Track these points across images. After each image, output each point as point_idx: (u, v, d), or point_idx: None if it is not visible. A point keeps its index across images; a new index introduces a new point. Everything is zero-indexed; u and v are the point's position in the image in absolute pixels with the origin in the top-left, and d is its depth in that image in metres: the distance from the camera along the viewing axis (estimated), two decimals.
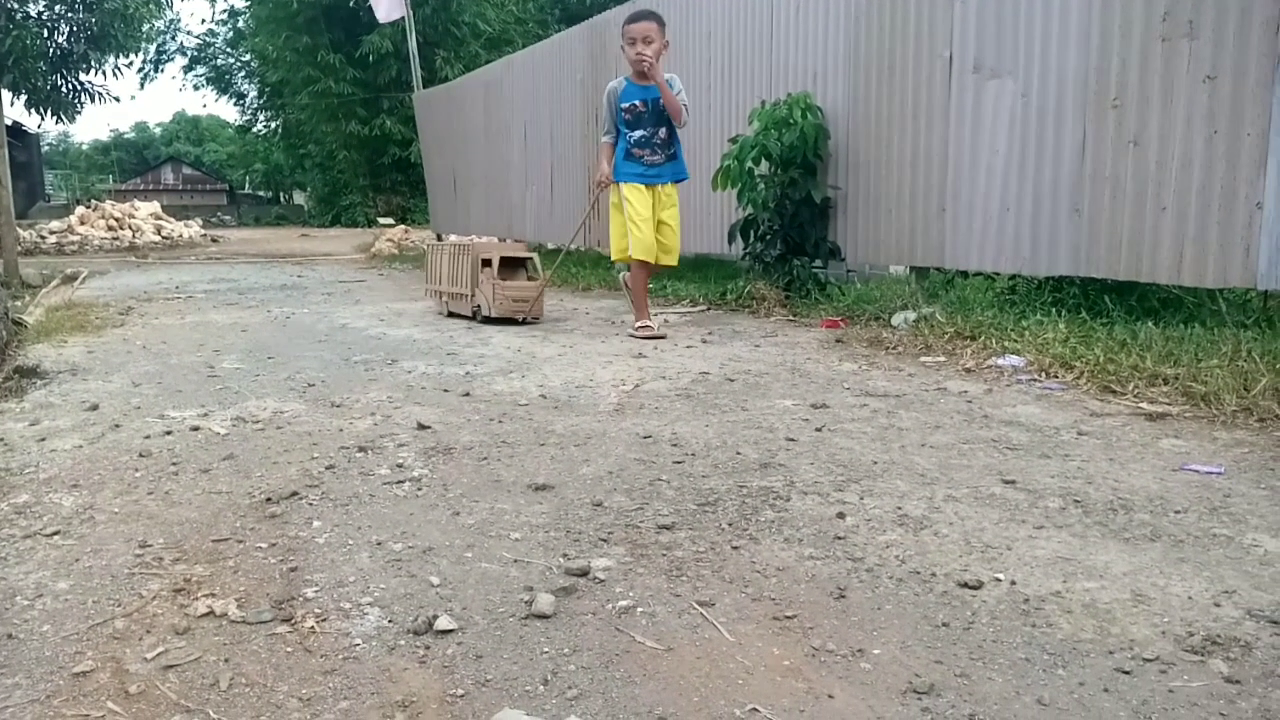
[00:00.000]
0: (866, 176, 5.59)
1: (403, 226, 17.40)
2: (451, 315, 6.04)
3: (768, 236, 5.99)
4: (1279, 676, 1.43)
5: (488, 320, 5.59)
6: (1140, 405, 3.09)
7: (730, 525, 2.10)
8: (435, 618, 1.63)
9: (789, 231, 5.88)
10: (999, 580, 1.77)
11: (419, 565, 1.89)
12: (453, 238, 13.35)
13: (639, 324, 5.10)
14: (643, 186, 5.14)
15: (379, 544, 2.00)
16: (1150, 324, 3.83)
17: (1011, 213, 4.62)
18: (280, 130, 36.27)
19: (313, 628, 1.62)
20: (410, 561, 1.91)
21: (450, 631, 1.60)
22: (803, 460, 2.58)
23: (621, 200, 5.19)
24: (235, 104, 38.95)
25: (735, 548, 1.97)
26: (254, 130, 39.98)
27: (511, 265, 5.81)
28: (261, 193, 55.51)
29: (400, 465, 2.58)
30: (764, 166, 5.85)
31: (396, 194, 26.67)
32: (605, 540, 2.02)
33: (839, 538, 2.01)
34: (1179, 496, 2.22)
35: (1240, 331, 3.59)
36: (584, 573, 1.84)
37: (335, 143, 27.18)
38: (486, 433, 2.94)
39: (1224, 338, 3.47)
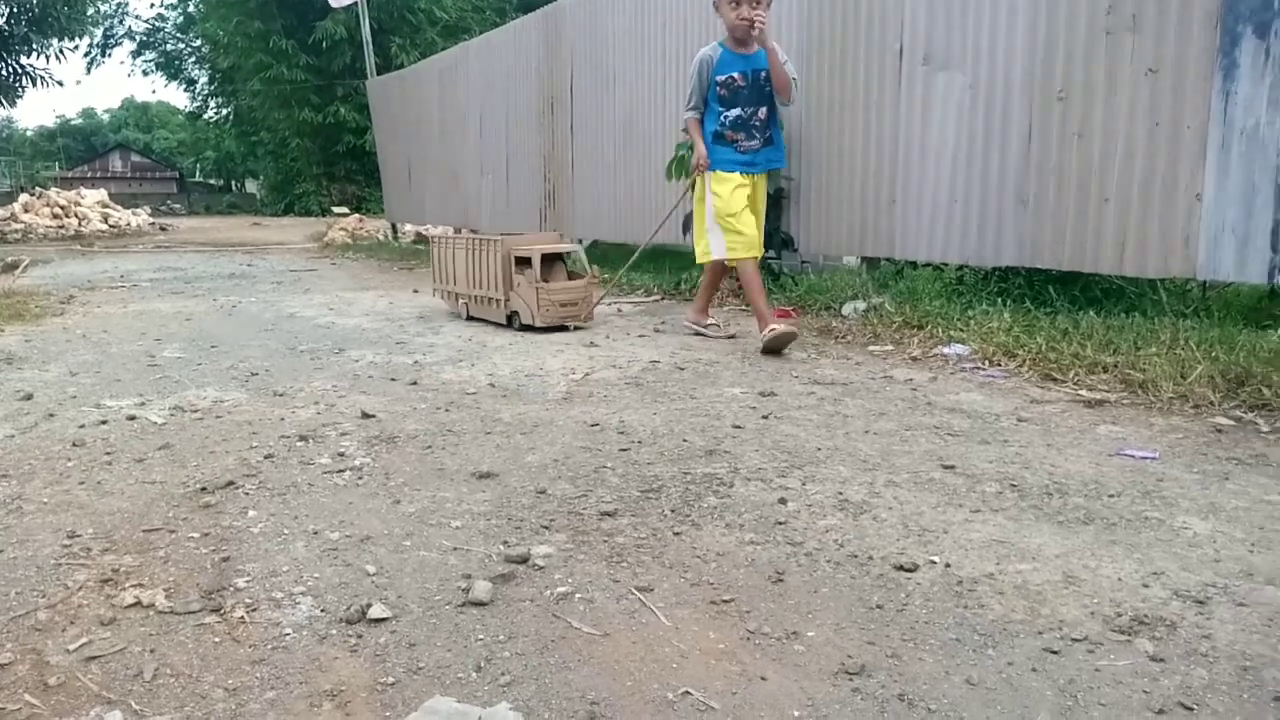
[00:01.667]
0: (819, 168, 5.61)
1: (357, 215, 17.19)
2: (474, 320, 5.26)
3: None
4: (1202, 655, 1.46)
5: (527, 329, 4.80)
6: (1080, 392, 3.14)
7: (673, 511, 2.09)
8: (369, 606, 1.61)
9: None
10: (934, 563, 1.79)
11: (355, 554, 1.86)
12: (408, 227, 13.23)
13: (768, 328, 4.03)
14: (737, 175, 4.34)
15: (315, 533, 1.97)
16: (1092, 313, 3.89)
17: (960, 204, 4.66)
18: (232, 117, 35.64)
19: (242, 618, 1.59)
20: (347, 550, 1.88)
21: (384, 620, 1.58)
22: (748, 447, 2.59)
23: (707, 192, 4.41)
24: (185, 90, 38.19)
25: (677, 534, 1.96)
26: (205, 117, 39.24)
27: (546, 261, 4.89)
28: (213, 181, 54.50)
29: (342, 454, 2.54)
30: None
31: (351, 183, 26.33)
32: (547, 527, 2.00)
33: (780, 523, 2.01)
34: (1113, 481, 2.26)
35: (1179, 321, 3.67)
36: (524, 560, 1.82)
37: (288, 130, 26.76)
38: (432, 421, 2.91)
39: (1163, 327, 3.54)
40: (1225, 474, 2.31)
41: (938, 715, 1.29)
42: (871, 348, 4.09)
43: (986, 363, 3.60)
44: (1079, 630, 1.52)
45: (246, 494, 2.22)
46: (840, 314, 4.82)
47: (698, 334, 4.63)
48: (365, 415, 2.94)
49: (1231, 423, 2.77)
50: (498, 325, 5.00)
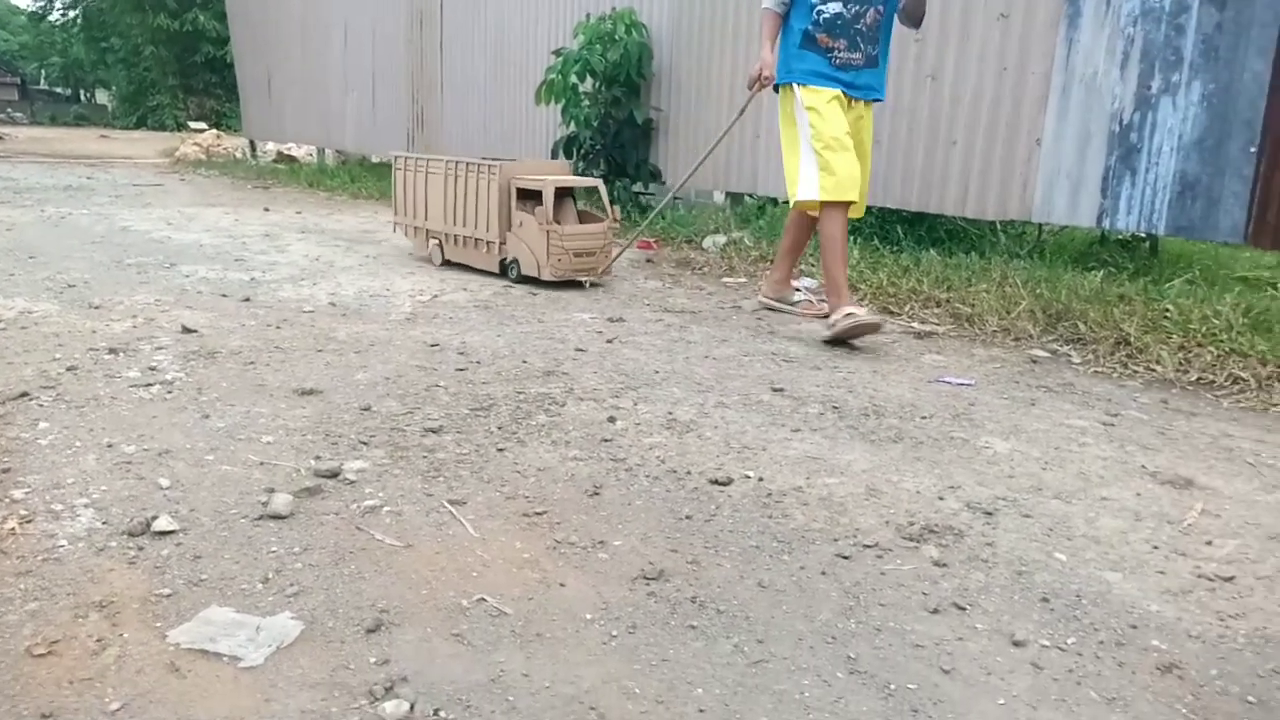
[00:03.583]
0: (688, 100, 5.58)
1: (215, 131, 16.17)
2: (450, 266, 4.24)
3: (590, 155, 5.91)
4: (982, 560, 1.53)
5: (528, 281, 3.87)
6: (912, 325, 3.26)
7: (500, 429, 2.06)
8: (154, 519, 1.52)
9: (611, 152, 5.82)
10: (748, 477, 1.82)
11: (150, 468, 1.76)
12: (270, 145, 12.54)
13: (844, 311, 2.98)
14: (832, 93, 3.14)
15: (110, 446, 1.85)
16: (933, 252, 4.03)
17: None
18: (80, 20, 32.79)
19: (14, 529, 1.49)
20: (142, 464, 1.77)
21: (170, 533, 1.50)
22: (587, 369, 2.57)
23: (796, 110, 3.20)
24: None
25: (500, 450, 1.94)
26: (50, 19, 35.98)
27: (555, 198, 3.87)
28: (59, 89, 50.28)
29: (153, 368, 2.39)
30: (588, 83, 5.74)
31: (210, 97, 24.76)
32: (365, 443, 1.94)
33: (606, 440, 2.01)
34: (928, 404, 2.35)
35: (1011, 260, 3.83)
36: (334, 474, 1.76)
37: (141, 37, 24.84)
38: (260, 338, 2.77)
39: (996, 266, 3.70)
40: (1033, 400, 2.44)
41: (725, 615, 1.32)
42: (725, 280, 4.13)
43: None
44: (871, 538, 1.58)
45: (41, 405, 2.07)
46: (701, 247, 4.84)
47: (780, 312, 3.46)
48: (186, 330, 2.78)
49: (1047, 354, 2.92)
50: (482, 274, 4.07)
